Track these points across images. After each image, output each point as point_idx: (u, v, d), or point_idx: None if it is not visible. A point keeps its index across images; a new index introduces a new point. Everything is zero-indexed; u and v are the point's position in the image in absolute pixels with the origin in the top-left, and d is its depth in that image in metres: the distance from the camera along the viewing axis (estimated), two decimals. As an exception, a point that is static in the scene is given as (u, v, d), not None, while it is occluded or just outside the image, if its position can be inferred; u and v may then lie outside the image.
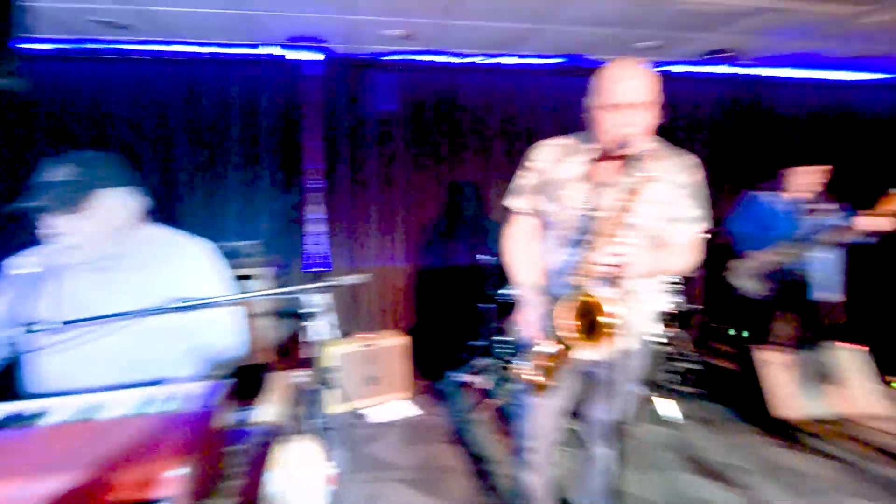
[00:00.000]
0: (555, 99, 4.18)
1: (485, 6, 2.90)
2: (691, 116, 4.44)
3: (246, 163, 3.81)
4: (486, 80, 4.10)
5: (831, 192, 3.19)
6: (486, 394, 3.45)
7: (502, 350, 3.48)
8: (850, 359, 3.19)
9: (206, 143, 3.74)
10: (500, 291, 3.26)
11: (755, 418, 3.16)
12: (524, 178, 1.67)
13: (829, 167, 3.12)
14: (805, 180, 3.15)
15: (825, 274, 3.18)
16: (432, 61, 3.91)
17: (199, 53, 3.56)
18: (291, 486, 1.66)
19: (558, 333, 1.46)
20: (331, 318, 1.41)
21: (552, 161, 1.62)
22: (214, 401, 1.09)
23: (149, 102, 3.62)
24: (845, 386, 3.11)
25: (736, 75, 4.35)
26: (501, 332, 3.48)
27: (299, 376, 2.85)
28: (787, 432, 3.00)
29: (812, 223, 3.11)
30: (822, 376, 3.12)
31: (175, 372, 1.30)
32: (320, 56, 3.66)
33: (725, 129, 4.49)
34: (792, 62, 4.11)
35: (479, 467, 2.63)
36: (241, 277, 3.10)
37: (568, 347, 1.49)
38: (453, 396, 3.51)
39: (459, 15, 3.02)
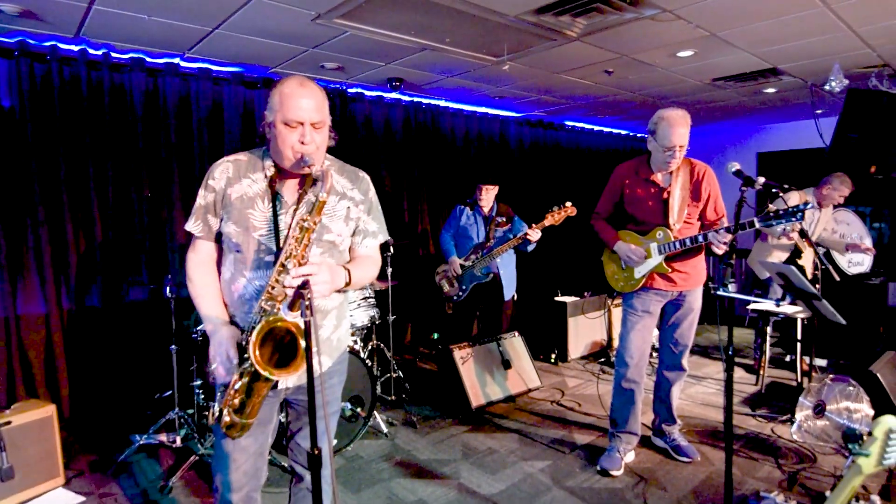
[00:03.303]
0: (238, 107, 3.83)
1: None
2: (385, 135, 4.72)
3: None
4: (164, 82, 3.50)
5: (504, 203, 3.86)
6: (183, 451, 2.92)
7: (199, 395, 2.99)
8: (514, 345, 3.87)
9: None
10: (197, 328, 2.79)
11: (453, 412, 3.51)
12: (202, 199, 1.51)
13: (496, 185, 3.76)
14: (490, 195, 3.75)
15: (508, 275, 3.81)
16: (84, 51, 3.14)
17: None
18: None
19: (250, 365, 1.32)
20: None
21: (228, 180, 1.49)
22: None
23: None
24: (514, 368, 3.75)
25: (419, 103, 4.88)
26: (198, 374, 3.00)
27: None
28: (479, 418, 3.43)
29: (498, 232, 3.72)
30: (501, 363, 3.69)
31: None
32: None
33: (412, 147, 4.91)
34: (456, 97, 4.86)
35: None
36: None
37: (262, 379, 1.36)
38: (140, 464, 2.85)
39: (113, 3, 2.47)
